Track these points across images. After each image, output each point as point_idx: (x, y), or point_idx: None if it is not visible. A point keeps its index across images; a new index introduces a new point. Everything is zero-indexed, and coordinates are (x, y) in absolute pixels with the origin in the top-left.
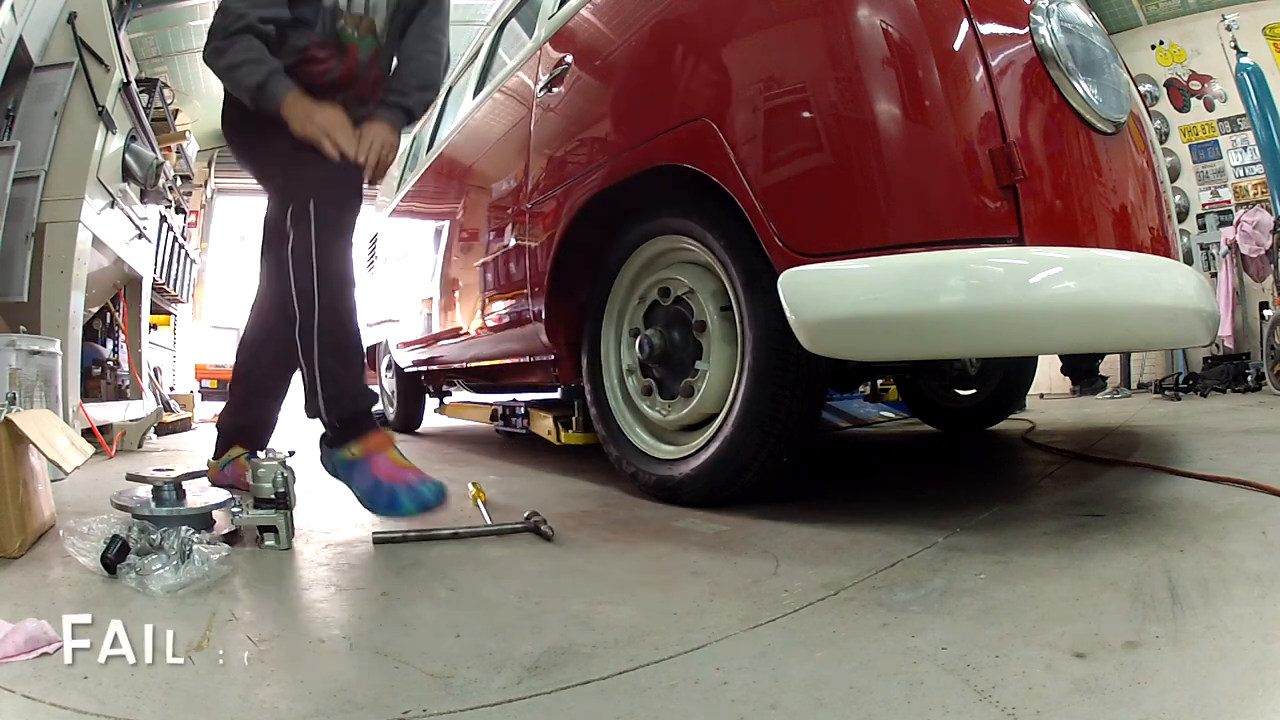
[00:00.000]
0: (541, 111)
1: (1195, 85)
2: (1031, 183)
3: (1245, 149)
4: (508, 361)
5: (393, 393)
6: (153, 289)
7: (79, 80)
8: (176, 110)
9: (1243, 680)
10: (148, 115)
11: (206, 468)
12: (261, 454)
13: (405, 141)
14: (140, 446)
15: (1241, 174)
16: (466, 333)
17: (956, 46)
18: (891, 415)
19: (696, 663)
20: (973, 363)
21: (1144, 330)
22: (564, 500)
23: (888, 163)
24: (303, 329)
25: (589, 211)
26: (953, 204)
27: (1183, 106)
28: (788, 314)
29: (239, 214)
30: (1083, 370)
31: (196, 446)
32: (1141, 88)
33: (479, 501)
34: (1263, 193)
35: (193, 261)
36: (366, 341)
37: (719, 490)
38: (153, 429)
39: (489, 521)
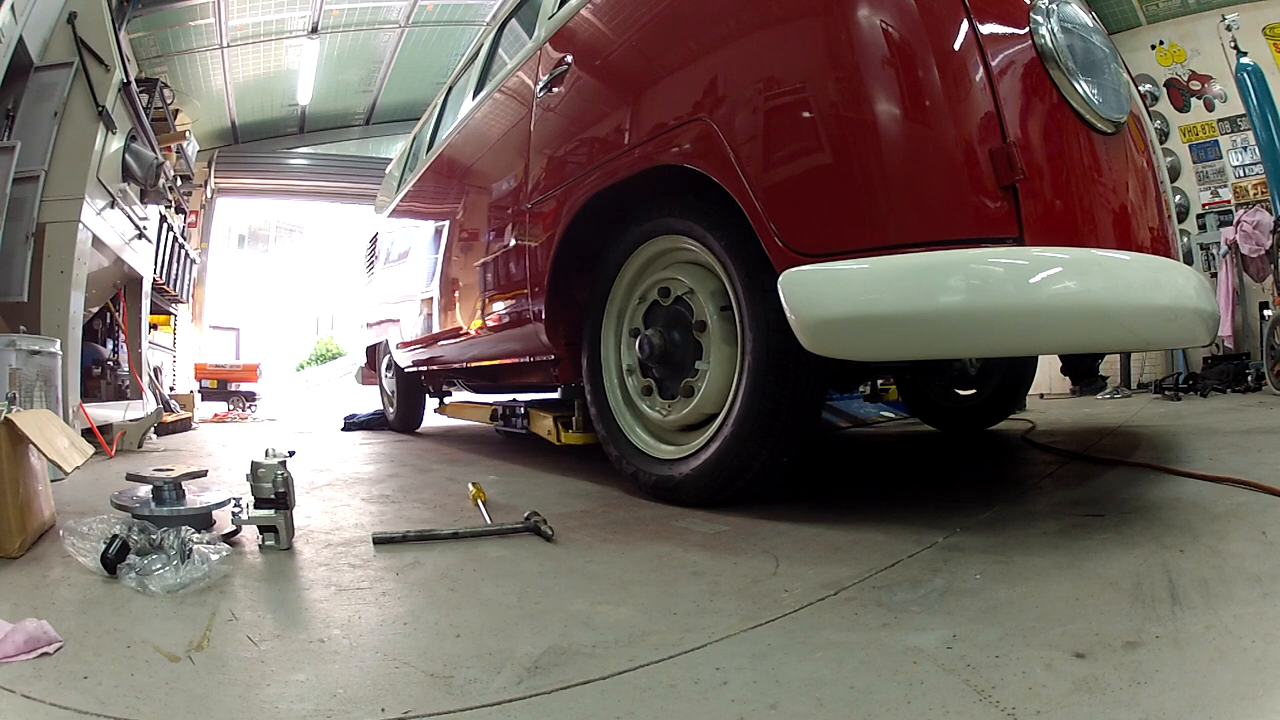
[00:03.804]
0: (541, 111)
1: (1195, 85)
2: (1031, 183)
3: (1245, 149)
4: (508, 361)
5: (393, 393)
6: (153, 289)
7: (79, 80)
8: (176, 110)
9: (1243, 680)
10: (148, 115)
11: None
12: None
13: (405, 141)
14: (140, 446)
15: (1241, 174)
16: (466, 333)
17: (956, 46)
18: (891, 415)
19: (696, 663)
20: (973, 363)
21: (1144, 330)
22: (564, 500)
23: (888, 163)
24: None
25: (589, 211)
26: (953, 204)
27: (1183, 106)
28: (788, 314)
29: (239, 214)
30: (1083, 370)
31: (196, 446)
32: (1141, 88)
33: (479, 501)
34: (1263, 193)
35: (193, 261)
36: (366, 341)
37: (719, 490)
38: (153, 429)
39: (489, 521)
